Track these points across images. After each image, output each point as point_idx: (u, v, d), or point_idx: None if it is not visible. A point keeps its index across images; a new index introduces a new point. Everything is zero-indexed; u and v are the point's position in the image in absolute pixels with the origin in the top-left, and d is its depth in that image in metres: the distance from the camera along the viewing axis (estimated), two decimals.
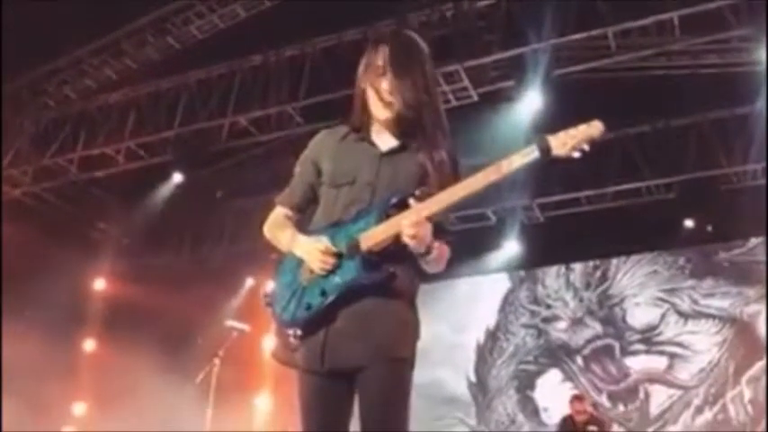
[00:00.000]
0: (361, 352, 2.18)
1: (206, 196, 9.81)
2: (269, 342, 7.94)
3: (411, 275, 2.30)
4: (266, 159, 8.94)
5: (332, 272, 2.24)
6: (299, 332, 2.25)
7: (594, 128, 2.07)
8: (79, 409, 9.76)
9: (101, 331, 10.01)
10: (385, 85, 2.30)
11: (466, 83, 7.52)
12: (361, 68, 2.38)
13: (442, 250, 2.28)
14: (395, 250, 2.21)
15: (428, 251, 2.21)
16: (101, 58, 9.13)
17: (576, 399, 7.88)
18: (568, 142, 2.06)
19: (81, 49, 9.05)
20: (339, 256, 2.23)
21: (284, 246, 2.41)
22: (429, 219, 2.16)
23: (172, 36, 8.76)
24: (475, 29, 7.52)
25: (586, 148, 2.07)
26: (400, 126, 2.34)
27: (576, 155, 2.07)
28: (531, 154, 2.09)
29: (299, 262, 2.31)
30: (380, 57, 2.32)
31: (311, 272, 2.27)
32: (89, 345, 10.11)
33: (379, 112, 2.33)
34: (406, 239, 2.14)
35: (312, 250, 2.25)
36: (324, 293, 2.23)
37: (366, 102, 2.36)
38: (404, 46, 2.36)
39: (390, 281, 2.22)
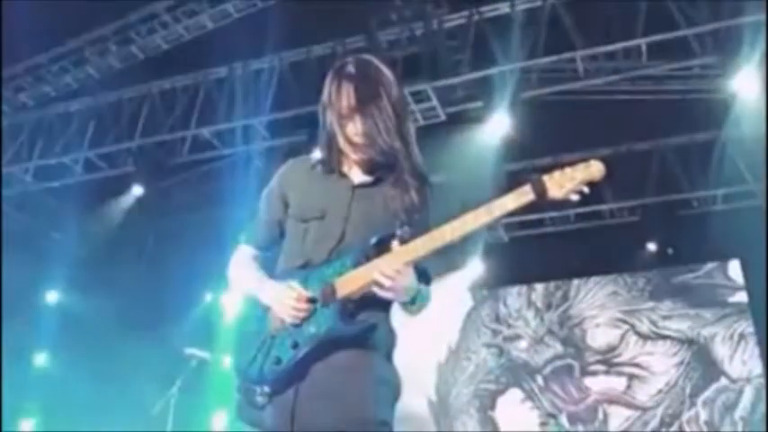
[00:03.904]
0: (336, 415, 1.94)
1: (166, 209, 9.59)
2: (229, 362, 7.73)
3: (390, 324, 2.12)
4: (230, 173, 8.79)
5: (305, 321, 2.01)
6: (267, 389, 2.01)
7: (595, 169, 1.91)
8: (27, 425, 9.42)
9: (53, 344, 9.70)
10: (353, 128, 2.11)
11: (434, 102, 7.48)
12: (324, 98, 2.18)
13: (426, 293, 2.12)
14: (374, 297, 2.01)
15: (412, 300, 2.04)
16: (61, 65, 8.88)
17: None
18: (566, 185, 1.90)
19: (40, 55, 8.79)
20: (313, 302, 2.01)
21: (250, 290, 2.18)
22: (410, 264, 1.98)
23: (136, 45, 8.56)
24: (444, 49, 7.50)
25: (585, 190, 1.91)
26: (373, 166, 2.17)
27: (575, 198, 1.92)
28: (526, 196, 1.92)
29: (267, 308, 2.09)
30: (344, 97, 2.12)
31: (281, 321, 2.04)
32: (40, 359, 9.79)
33: (350, 153, 2.16)
34: (378, 291, 1.96)
35: (283, 297, 2.02)
36: (296, 345, 2.00)
37: (335, 137, 2.16)
38: (370, 85, 2.13)
39: (370, 332, 2.02)
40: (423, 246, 1.97)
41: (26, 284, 9.11)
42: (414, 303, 2.06)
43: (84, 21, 8.35)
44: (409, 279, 2.00)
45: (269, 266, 2.25)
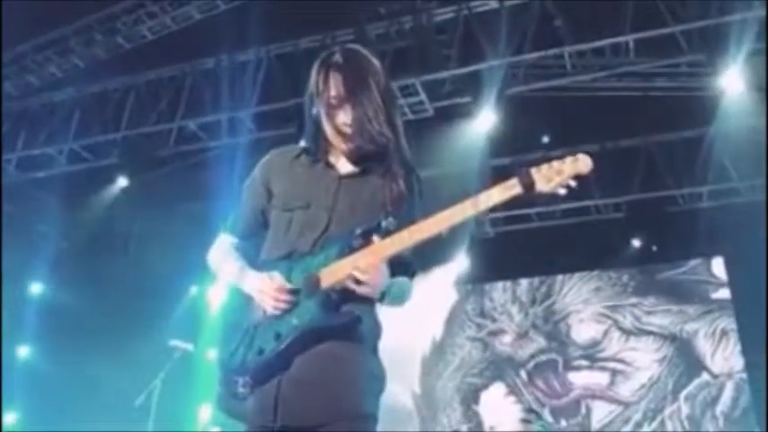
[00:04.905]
0: (321, 407, 1.92)
1: (151, 201, 9.53)
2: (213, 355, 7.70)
3: (375, 316, 2.10)
4: (216, 165, 8.74)
5: (287, 312, 1.99)
6: (248, 380, 1.98)
7: (582, 163, 1.88)
8: (9, 418, 9.35)
9: (36, 336, 9.62)
10: (342, 117, 2.10)
11: (422, 97, 7.47)
12: (311, 88, 2.16)
13: (404, 287, 2.13)
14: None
15: (382, 297, 2.02)
16: (45, 55, 8.77)
17: None
18: (554, 178, 1.87)
19: (24, 44, 8.68)
20: (295, 292, 1.99)
21: (230, 279, 2.16)
22: (393, 256, 1.97)
23: (121, 35, 8.47)
24: (433, 43, 7.49)
25: (573, 184, 1.88)
26: (362, 156, 2.14)
27: (562, 192, 1.89)
28: (513, 189, 1.90)
29: (249, 298, 2.07)
30: (333, 86, 2.11)
31: (264, 311, 2.02)
32: (23, 351, 9.72)
33: (339, 143, 2.14)
34: (353, 286, 1.95)
35: (264, 287, 2.00)
36: (278, 337, 1.97)
37: (322, 127, 2.14)
38: (358, 75, 2.12)
39: (354, 325, 2.00)
40: (407, 238, 1.96)
41: (10, 276, 9.00)
42: (383, 299, 2.05)
43: (70, 10, 8.24)
44: (382, 275, 1.99)
45: (249, 256, 2.23)
